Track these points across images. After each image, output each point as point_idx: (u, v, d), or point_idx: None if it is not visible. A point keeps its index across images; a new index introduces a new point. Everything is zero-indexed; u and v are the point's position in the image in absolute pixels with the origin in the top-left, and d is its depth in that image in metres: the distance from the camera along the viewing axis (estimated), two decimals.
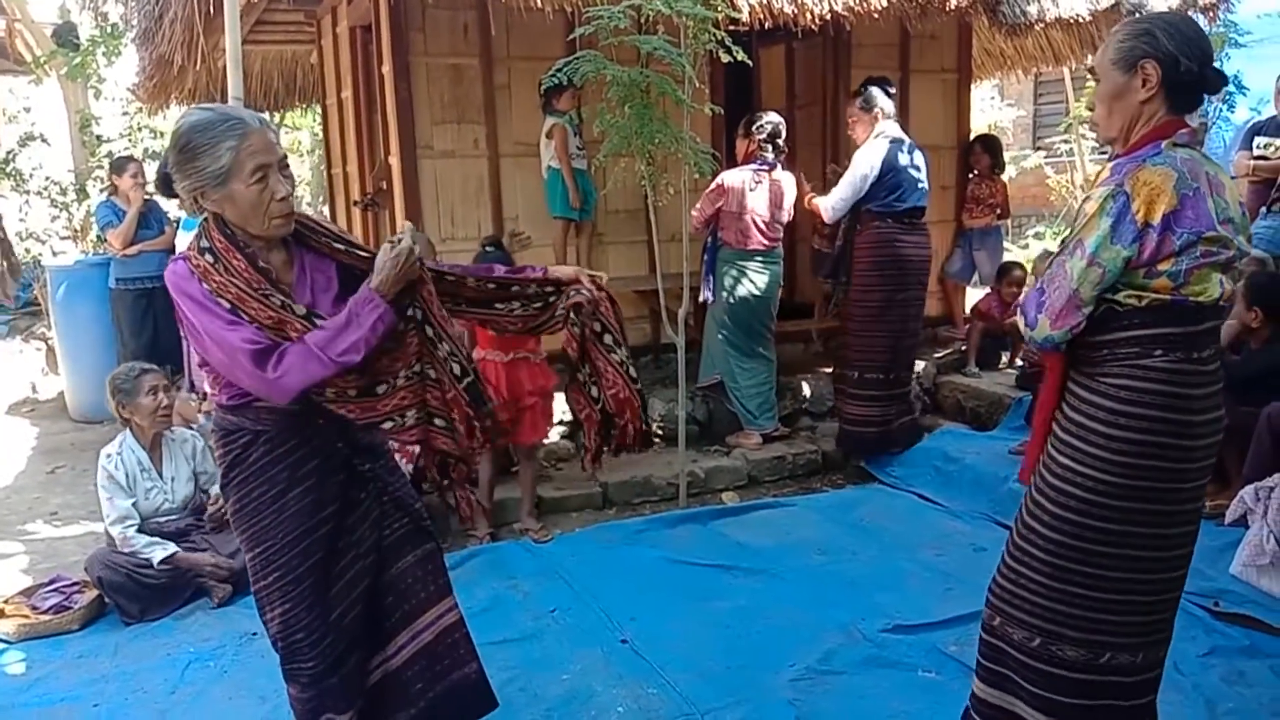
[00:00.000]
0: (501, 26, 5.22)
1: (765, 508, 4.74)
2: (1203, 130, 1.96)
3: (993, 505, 4.51)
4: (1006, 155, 7.47)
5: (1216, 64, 2.05)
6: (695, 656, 3.23)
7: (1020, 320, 2.08)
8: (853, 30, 5.87)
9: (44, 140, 10.62)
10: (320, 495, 2.15)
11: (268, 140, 2.00)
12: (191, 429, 4.26)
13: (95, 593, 3.72)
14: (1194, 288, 1.94)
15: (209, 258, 2.00)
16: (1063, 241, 2.07)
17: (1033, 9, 5.61)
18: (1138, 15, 1.96)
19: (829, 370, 6.05)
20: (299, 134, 14.73)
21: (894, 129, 5.03)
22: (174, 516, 3.91)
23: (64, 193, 10.36)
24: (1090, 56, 7.74)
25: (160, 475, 3.92)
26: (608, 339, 2.39)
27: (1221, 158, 8.29)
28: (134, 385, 3.83)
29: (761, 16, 4.96)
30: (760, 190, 5.23)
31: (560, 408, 5.22)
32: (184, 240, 5.80)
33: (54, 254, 10.06)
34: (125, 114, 10.74)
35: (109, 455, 3.84)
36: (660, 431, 5.46)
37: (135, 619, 3.66)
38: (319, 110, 8.19)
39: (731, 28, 4.46)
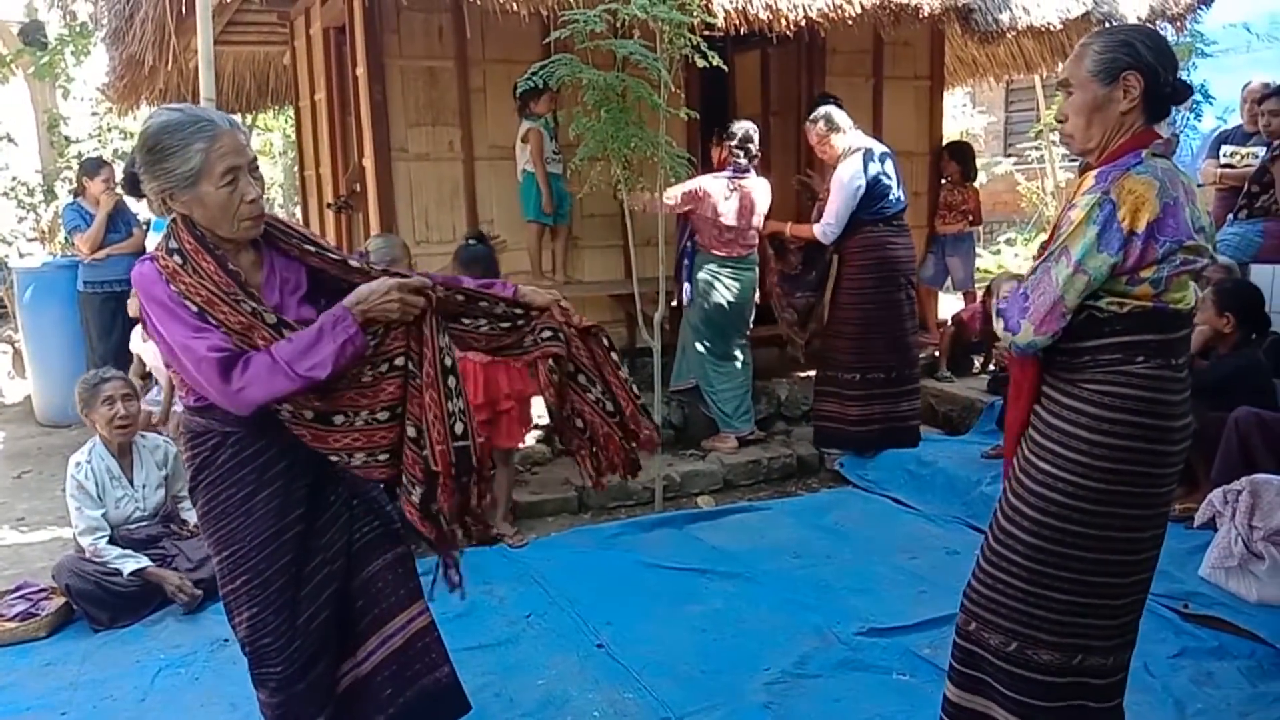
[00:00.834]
0: (476, 29, 5.21)
1: (740, 511, 4.75)
2: (1175, 141, 2.00)
3: (965, 509, 4.55)
4: (978, 162, 7.54)
5: (1185, 70, 2.09)
6: (671, 661, 3.23)
7: (999, 324, 2.07)
8: (827, 37, 5.91)
9: (11, 140, 10.48)
10: (289, 498, 2.13)
11: (238, 142, 1.98)
12: (162, 434, 4.21)
13: (63, 599, 3.66)
14: (1173, 295, 1.98)
15: (178, 259, 1.97)
16: (1042, 246, 2.09)
17: (1005, 17, 5.67)
18: (1109, 26, 1.98)
19: (805, 375, 6.08)
20: (271, 136, 14.62)
21: (861, 139, 5.07)
22: (144, 523, 3.86)
23: (31, 194, 10.23)
24: (1061, 64, 7.84)
25: (132, 483, 3.86)
26: (581, 379, 2.36)
27: (1189, 166, 8.41)
28: (91, 394, 3.77)
29: (737, 22, 4.98)
30: (734, 198, 5.24)
31: (537, 411, 5.21)
32: (154, 242, 5.73)
33: (21, 256, 9.91)
34: (95, 114, 10.62)
35: (78, 464, 3.77)
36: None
37: (105, 626, 3.60)
38: (292, 112, 8.13)
39: (707, 33, 4.48)
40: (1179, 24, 6.56)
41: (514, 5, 4.57)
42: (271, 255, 2.13)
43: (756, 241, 5.41)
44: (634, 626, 3.48)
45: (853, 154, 4.99)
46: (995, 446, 4.98)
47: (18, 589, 3.73)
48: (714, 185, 5.21)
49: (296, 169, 7.74)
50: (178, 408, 5.14)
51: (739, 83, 7.22)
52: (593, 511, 4.81)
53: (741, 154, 5.28)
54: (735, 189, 5.24)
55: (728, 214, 5.24)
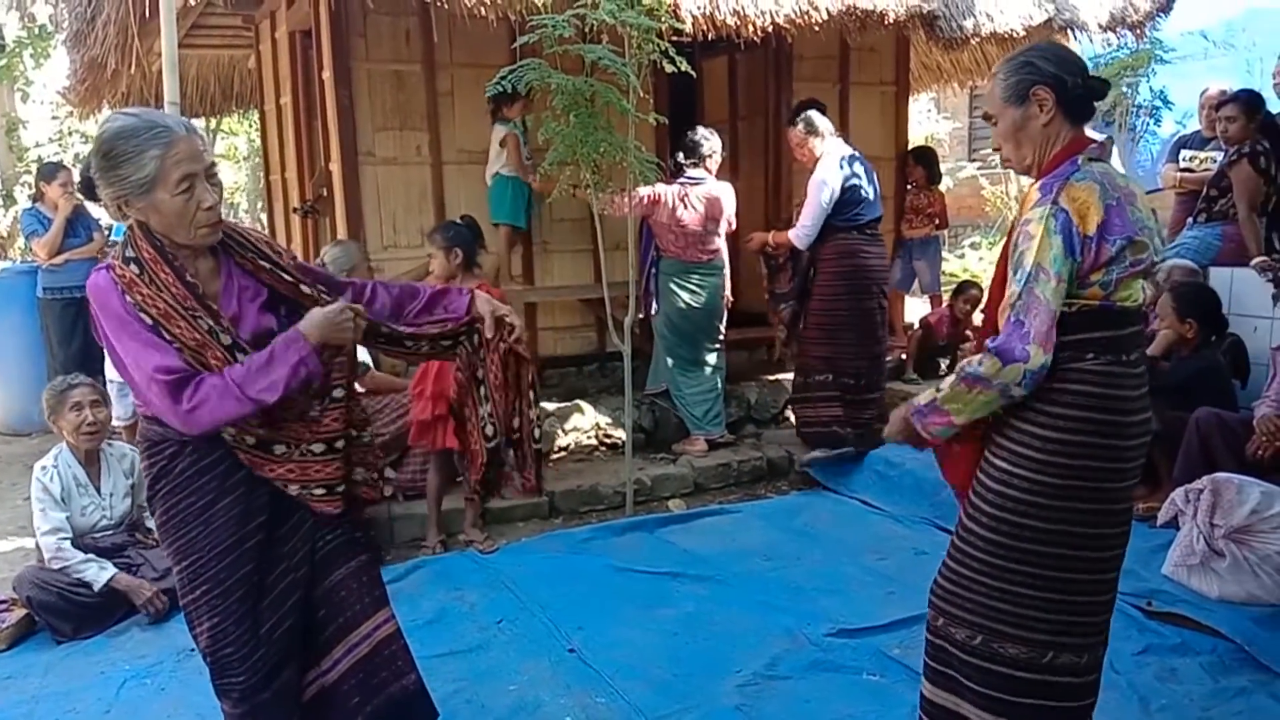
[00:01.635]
0: (444, 33, 5.20)
1: (711, 515, 4.77)
2: (1110, 144, 2.06)
3: (933, 510, 4.58)
4: (943, 167, 7.62)
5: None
6: (643, 664, 3.23)
7: (995, 362, 1.97)
8: (794, 43, 5.95)
9: None
10: (249, 505, 2.10)
11: (194, 148, 1.95)
12: (132, 446, 4.14)
13: (24, 611, 3.60)
14: (1121, 294, 2.03)
15: (135, 269, 1.95)
16: (1001, 262, 2.09)
17: (969, 24, 5.73)
18: (1018, 53, 2.09)
19: (774, 378, 6.11)
20: (235, 140, 14.48)
21: (838, 146, 5.08)
22: (109, 532, 3.81)
23: None
24: None
25: (99, 491, 3.80)
26: (481, 390, 2.45)
27: (1149, 171, 8.55)
28: (58, 400, 3.72)
29: (704, 28, 5.00)
30: (690, 203, 5.25)
31: None
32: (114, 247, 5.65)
33: None
34: (55, 118, 10.47)
35: (44, 468, 3.71)
36: (607, 440, 5.46)
37: (68, 637, 3.54)
38: (257, 116, 8.06)
39: (675, 39, 4.49)
40: (1139, 31, 6.66)
41: (482, 10, 4.57)
42: (229, 263, 2.11)
43: (719, 247, 5.42)
44: (605, 631, 3.47)
45: (829, 159, 5.00)
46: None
47: None
48: (666, 191, 5.22)
49: (262, 173, 7.67)
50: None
51: (707, 88, 7.26)
52: (563, 516, 4.80)
53: (685, 158, 5.31)
54: (687, 194, 5.24)
55: (685, 219, 5.24)
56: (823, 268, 5.14)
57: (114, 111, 2.08)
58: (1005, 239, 2.15)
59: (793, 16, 5.17)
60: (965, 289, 6.59)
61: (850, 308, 5.08)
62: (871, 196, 5.09)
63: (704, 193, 5.28)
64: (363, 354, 4.29)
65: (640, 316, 5.28)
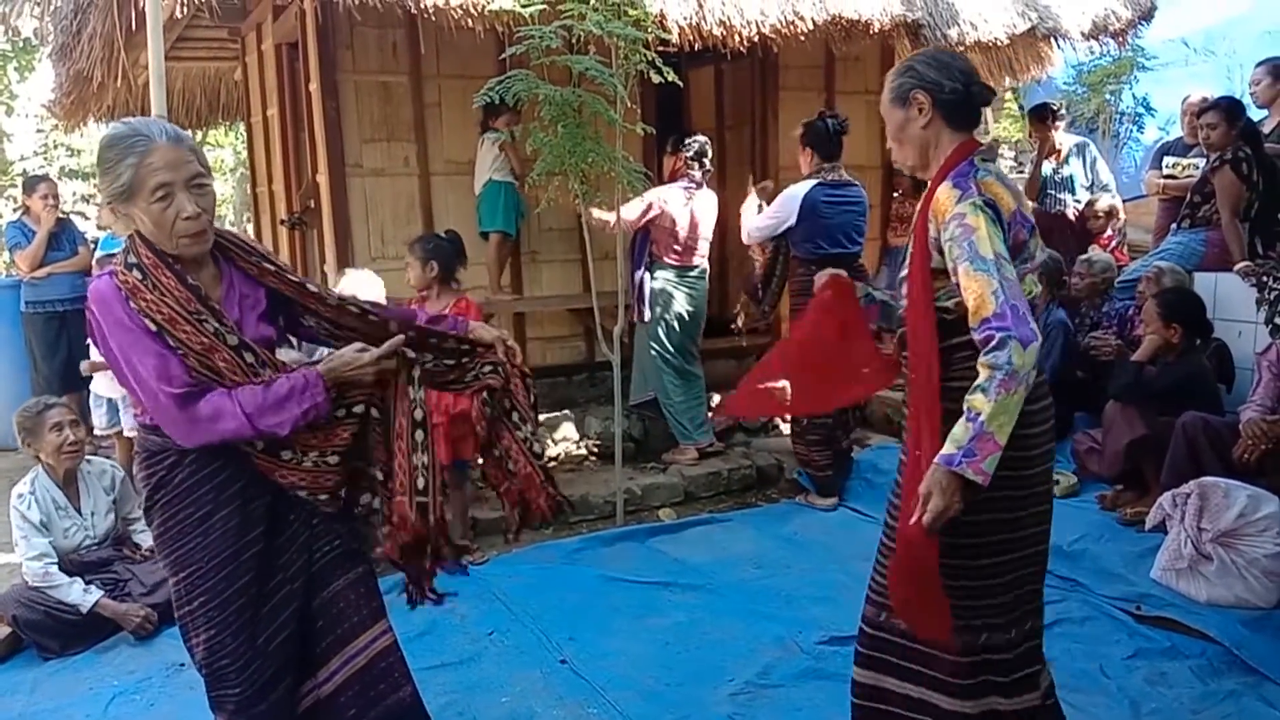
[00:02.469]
0: (431, 44, 5.21)
1: (701, 524, 4.77)
2: (996, 145, 2.13)
3: None
4: None
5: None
6: (635, 675, 3.23)
7: (1020, 349, 1.91)
8: (780, 52, 5.97)
9: None
10: (247, 517, 2.10)
11: (174, 157, 1.93)
12: (111, 460, 4.11)
13: (9, 629, 3.56)
14: (1023, 287, 2.07)
15: (137, 274, 1.94)
16: (967, 260, 2.05)
17: (953, 32, 5.77)
18: (906, 60, 2.20)
19: None
20: (222, 152, 14.44)
21: (829, 172, 4.82)
22: (95, 548, 3.78)
23: None
24: (1008, 79, 8.00)
25: (79, 512, 3.77)
26: (515, 416, 2.40)
27: (1133, 177, 8.61)
28: (36, 422, 3.66)
29: (691, 38, 5.02)
30: (691, 206, 5.30)
31: None
32: (100, 259, 5.62)
33: None
34: (40, 131, 10.42)
35: (20, 495, 3.65)
36: (596, 450, 5.46)
37: (55, 654, 3.51)
38: (243, 128, 8.04)
39: (661, 49, 4.51)
40: (1121, 39, 6.72)
41: (469, 21, 4.57)
42: (230, 271, 2.10)
43: (706, 253, 5.44)
44: (597, 641, 3.47)
45: (805, 182, 4.81)
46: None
47: None
48: (671, 195, 5.25)
49: (248, 186, 7.65)
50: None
51: (693, 98, 7.29)
52: (554, 526, 4.78)
53: (697, 167, 5.33)
54: (692, 197, 5.29)
55: (683, 224, 5.27)
56: (792, 303, 4.98)
57: (117, 121, 2.10)
58: (915, 238, 2.17)
59: (778, 26, 5.19)
60: None
61: None
62: (838, 231, 4.76)
63: (700, 197, 5.31)
64: None
65: (632, 321, 5.29)
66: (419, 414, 2.12)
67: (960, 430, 1.94)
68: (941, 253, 2.07)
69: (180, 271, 1.97)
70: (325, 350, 2.22)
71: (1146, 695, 3.00)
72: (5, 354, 6.47)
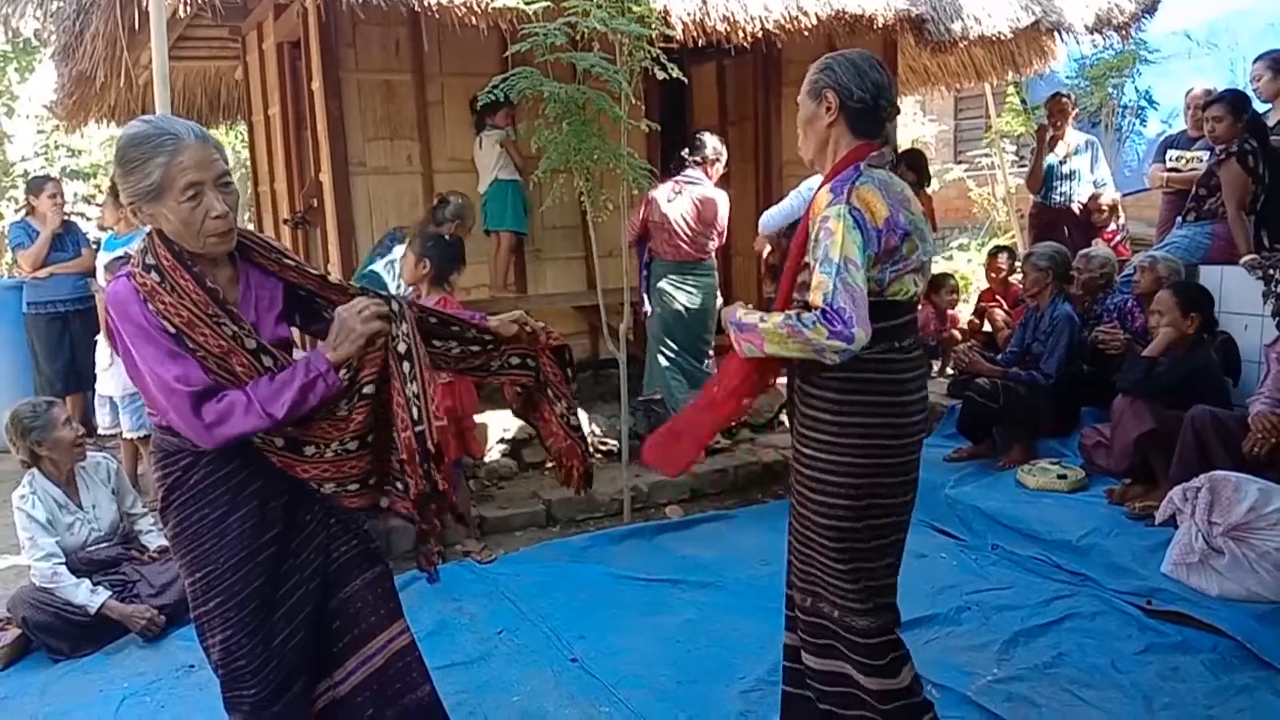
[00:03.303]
0: (434, 42, 5.20)
1: (709, 520, 4.76)
2: (890, 151, 2.23)
3: (929, 511, 4.59)
4: (930, 169, 7.65)
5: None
6: (646, 673, 3.22)
7: (822, 330, 2.10)
8: (783, 48, 5.96)
9: None
10: (264, 518, 2.09)
11: (203, 156, 1.92)
12: (104, 454, 4.11)
13: (19, 631, 3.56)
14: (894, 288, 2.25)
15: (155, 276, 1.93)
16: (819, 260, 2.17)
17: (957, 27, 5.76)
18: (828, 56, 2.33)
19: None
20: None
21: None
22: (104, 545, 3.78)
23: None
24: (1011, 73, 7.99)
25: (80, 506, 3.77)
26: (550, 392, 2.42)
27: (1136, 171, 8.60)
28: (48, 420, 3.66)
29: (695, 34, 5.02)
30: (680, 201, 5.27)
31: (502, 425, 5.19)
32: (104, 261, 5.61)
33: None
34: (41, 132, 10.41)
35: (23, 496, 3.64)
36: (603, 447, 5.45)
37: (65, 656, 3.50)
38: (244, 127, 8.04)
39: (665, 45, 4.50)
40: (1124, 32, 6.71)
41: (472, 18, 4.57)
42: (248, 271, 2.09)
43: (711, 250, 5.43)
44: (607, 640, 3.46)
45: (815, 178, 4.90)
46: (958, 449, 5.05)
47: None
48: (659, 190, 5.25)
49: (249, 184, 7.64)
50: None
51: (697, 94, 7.28)
52: (561, 525, 4.79)
53: (689, 155, 5.32)
54: (680, 191, 5.26)
55: (673, 216, 5.26)
56: None
57: (135, 119, 2.07)
58: (802, 233, 2.31)
59: (782, 22, 5.19)
60: (943, 281, 6.63)
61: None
62: None
63: (698, 193, 5.29)
64: None
65: (639, 317, 5.29)
66: (402, 346, 2.06)
67: (754, 316, 2.25)
68: (811, 248, 2.25)
69: (199, 274, 1.95)
70: None
71: (1159, 690, 2.99)
72: (9, 355, 6.46)
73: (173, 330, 1.90)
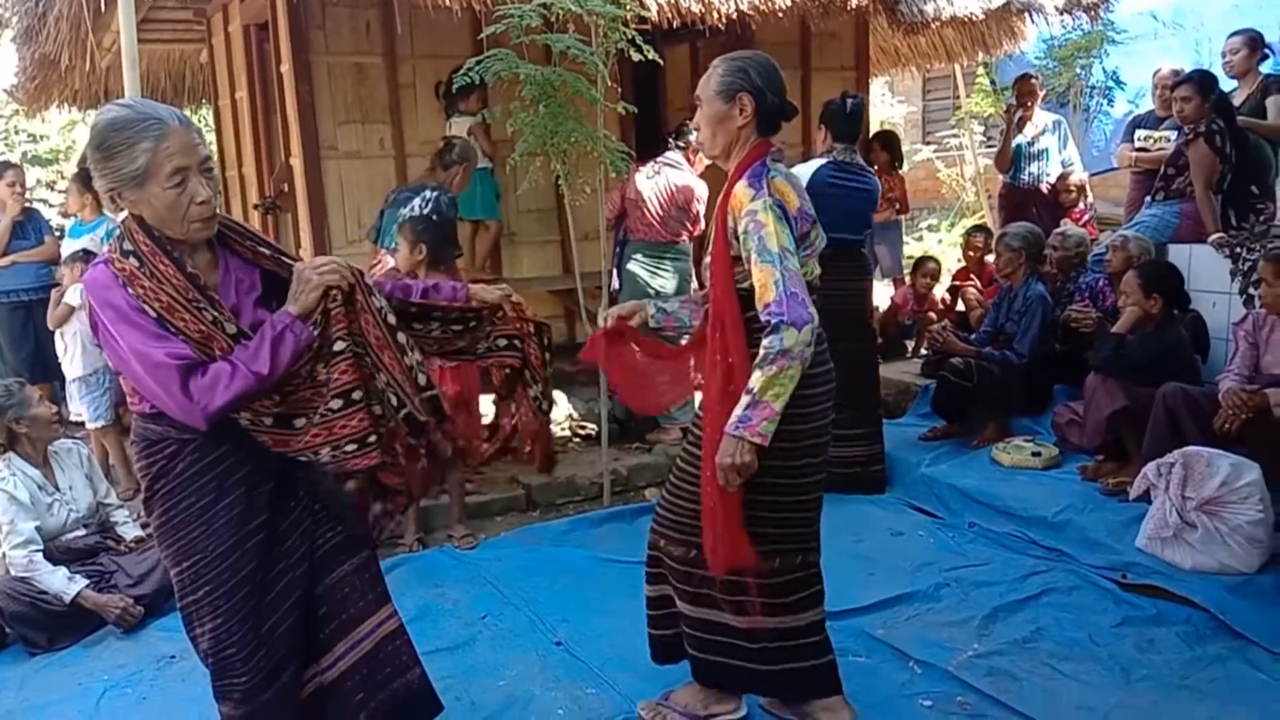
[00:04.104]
0: (406, 24, 5.14)
1: None
2: (783, 147, 2.40)
3: (906, 490, 4.65)
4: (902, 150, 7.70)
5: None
6: (630, 654, 3.21)
7: (794, 331, 2.21)
8: (757, 29, 5.96)
9: None
10: (250, 505, 2.07)
11: (187, 141, 1.91)
12: (76, 440, 4.07)
13: None
14: (804, 270, 2.38)
15: (134, 261, 1.91)
16: (756, 253, 2.30)
17: (929, 8, 5.78)
18: (744, 53, 2.52)
19: None
20: None
21: (842, 153, 4.54)
22: (82, 532, 3.75)
23: None
24: (981, 54, 8.04)
25: (58, 488, 3.76)
26: (527, 374, 2.46)
27: (1104, 150, 8.70)
28: (23, 398, 3.69)
29: (669, 15, 5.00)
30: (657, 180, 5.27)
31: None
32: (68, 249, 5.51)
33: None
34: (0, 116, 10.19)
35: (3, 478, 3.61)
36: (581, 431, 5.45)
37: (43, 648, 3.46)
38: (209, 111, 7.92)
39: (638, 26, 4.48)
40: (1093, 13, 6.77)
41: (446, 0, 4.52)
42: (226, 256, 2.08)
43: (684, 237, 5.42)
44: (591, 622, 3.47)
45: (812, 161, 4.68)
46: (933, 428, 5.10)
47: None
48: (639, 171, 5.25)
49: (216, 169, 7.54)
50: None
51: (669, 76, 7.25)
52: (541, 509, 4.79)
53: (674, 140, 5.33)
54: (659, 171, 5.26)
55: (646, 193, 5.26)
56: None
57: (110, 103, 2.03)
58: (716, 226, 2.43)
59: (756, 3, 5.19)
60: (923, 263, 6.69)
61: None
62: (838, 217, 4.11)
63: (676, 176, 5.28)
64: None
65: (609, 292, 5.28)
66: (391, 319, 2.10)
67: (742, 401, 2.27)
68: (739, 241, 2.34)
69: (179, 259, 1.93)
70: None
71: (1136, 662, 3.05)
72: None
73: (154, 315, 1.89)
